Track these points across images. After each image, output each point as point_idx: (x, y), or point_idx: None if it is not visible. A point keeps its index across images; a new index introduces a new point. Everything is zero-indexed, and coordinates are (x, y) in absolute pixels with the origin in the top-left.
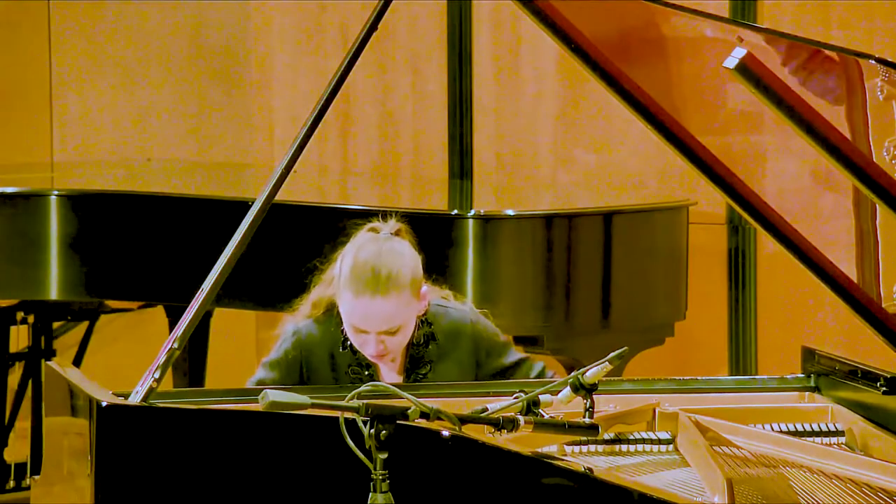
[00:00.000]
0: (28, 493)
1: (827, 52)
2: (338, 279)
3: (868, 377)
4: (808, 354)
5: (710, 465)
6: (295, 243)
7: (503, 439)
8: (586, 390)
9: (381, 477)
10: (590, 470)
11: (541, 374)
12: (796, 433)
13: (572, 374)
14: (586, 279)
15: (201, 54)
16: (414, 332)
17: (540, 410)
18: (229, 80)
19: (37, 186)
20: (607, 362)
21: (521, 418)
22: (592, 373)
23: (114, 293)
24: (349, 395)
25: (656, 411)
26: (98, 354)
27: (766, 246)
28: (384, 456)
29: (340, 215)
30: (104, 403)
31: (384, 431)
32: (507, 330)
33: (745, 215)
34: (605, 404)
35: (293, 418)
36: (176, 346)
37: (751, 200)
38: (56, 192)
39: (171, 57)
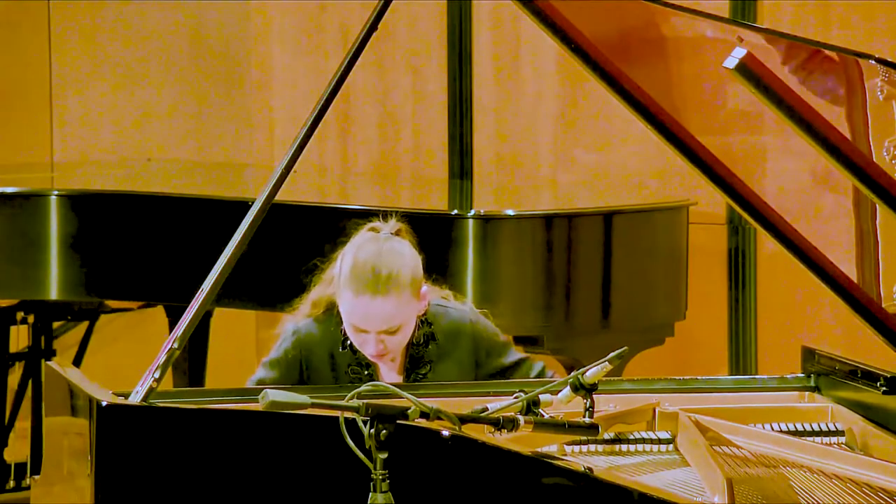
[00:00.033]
0: (28, 493)
1: (827, 52)
2: (338, 278)
3: (868, 377)
4: (808, 354)
5: (710, 465)
6: (295, 243)
7: (503, 439)
8: (586, 390)
9: (381, 477)
10: (590, 470)
11: (541, 374)
12: (796, 433)
13: (572, 374)
14: (586, 279)
15: (201, 54)
16: (414, 331)
17: (540, 410)
18: (229, 80)
19: (37, 186)
20: (607, 362)
21: (521, 418)
22: (592, 373)
23: (114, 293)
24: (349, 395)
25: (656, 411)
26: (98, 354)
27: (766, 246)
28: (384, 456)
29: (340, 215)
30: (104, 403)
31: (384, 431)
32: (508, 330)
33: (745, 215)
34: (605, 404)
35: (293, 418)
36: (176, 346)
37: (751, 200)
38: (56, 192)
39: (171, 57)
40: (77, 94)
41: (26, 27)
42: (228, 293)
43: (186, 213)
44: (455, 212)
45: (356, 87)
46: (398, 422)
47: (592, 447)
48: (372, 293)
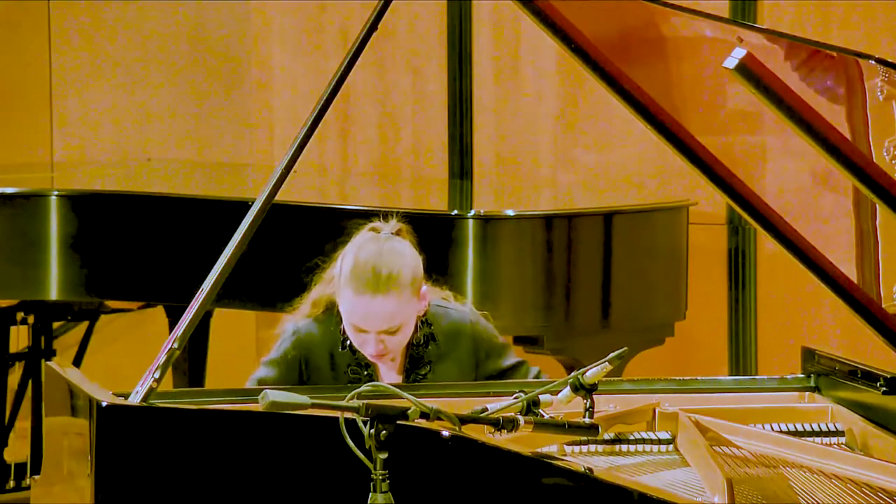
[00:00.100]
0: (28, 493)
1: (826, 51)
2: (338, 278)
3: (868, 377)
4: (808, 354)
5: (710, 465)
6: (295, 243)
7: (503, 439)
8: (586, 390)
9: (381, 477)
10: (590, 470)
11: (536, 379)
12: (796, 433)
13: (572, 374)
14: (586, 279)
15: (201, 54)
16: (414, 332)
17: (540, 410)
18: (229, 80)
19: (37, 186)
20: (607, 362)
21: (521, 418)
22: (592, 373)
23: (114, 293)
24: (349, 395)
25: (656, 411)
26: (98, 354)
27: (766, 246)
28: (384, 456)
29: (340, 215)
30: (104, 403)
31: (384, 431)
32: (508, 330)
33: (745, 215)
34: (605, 404)
35: (293, 418)
36: (176, 346)
37: (751, 200)
38: (56, 192)
39: (171, 57)
40: (77, 94)
41: (26, 27)
42: (228, 293)
43: (186, 213)
44: (455, 212)
45: (356, 87)
46: (398, 422)
47: (592, 447)
48: (372, 293)
